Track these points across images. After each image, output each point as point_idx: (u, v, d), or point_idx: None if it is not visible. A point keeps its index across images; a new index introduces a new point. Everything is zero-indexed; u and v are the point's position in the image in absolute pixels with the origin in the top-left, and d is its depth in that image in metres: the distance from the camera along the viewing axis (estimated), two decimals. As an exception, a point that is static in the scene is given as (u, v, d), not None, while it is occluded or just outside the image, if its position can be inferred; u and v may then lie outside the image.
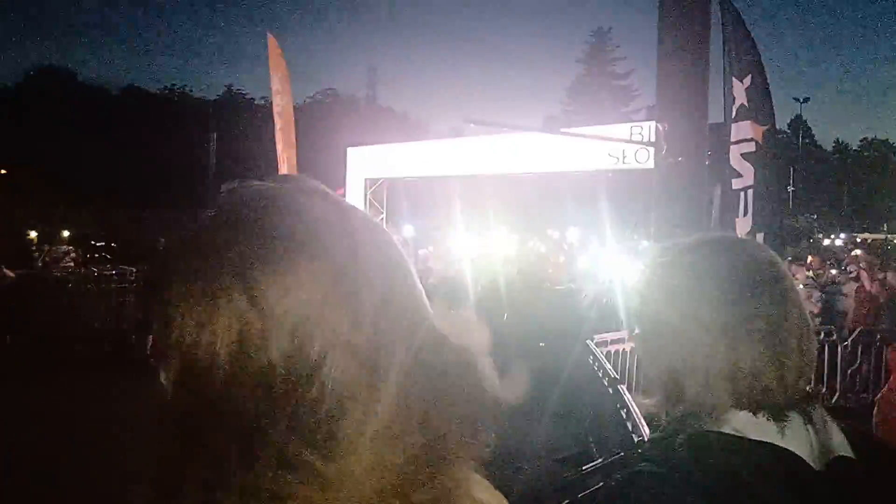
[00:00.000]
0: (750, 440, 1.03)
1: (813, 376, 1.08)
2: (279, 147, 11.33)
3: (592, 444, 6.79)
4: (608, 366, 6.87)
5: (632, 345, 7.81)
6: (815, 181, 58.75)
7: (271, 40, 11.21)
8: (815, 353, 1.12)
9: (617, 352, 7.59)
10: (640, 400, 1.17)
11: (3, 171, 48.81)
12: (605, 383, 6.62)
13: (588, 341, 7.53)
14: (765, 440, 1.02)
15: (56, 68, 61.79)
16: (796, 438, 1.03)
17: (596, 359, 7.07)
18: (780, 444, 1.02)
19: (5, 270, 12.72)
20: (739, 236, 1.07)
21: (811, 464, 1.02)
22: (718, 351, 1.06)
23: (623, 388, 6.40)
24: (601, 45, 65.27)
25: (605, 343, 7.57)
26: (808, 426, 1.04)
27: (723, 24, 8.67)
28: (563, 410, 8.99)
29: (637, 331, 1.19)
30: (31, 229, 18.03)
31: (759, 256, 1.14)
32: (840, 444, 1.05)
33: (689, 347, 1.09)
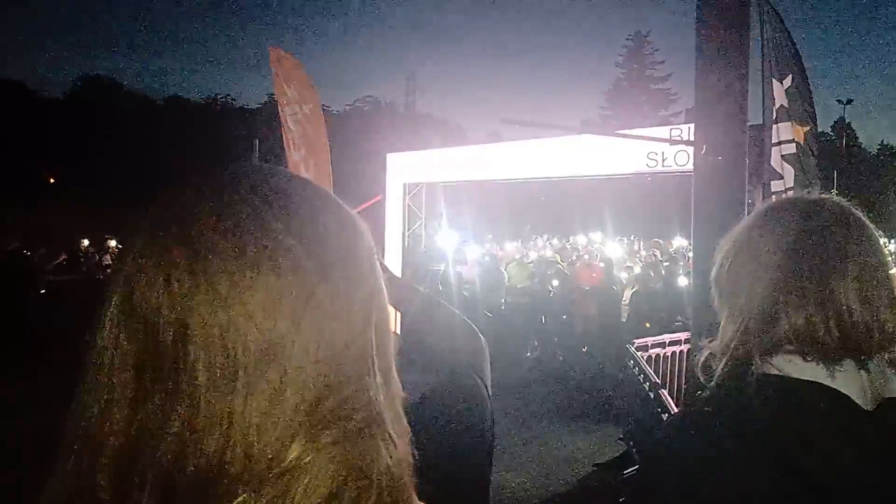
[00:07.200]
0: (797, 380, 1.05)
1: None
2: (296, 154, 11.17)
3: (634, 449, 6.76)
4: (649, 370, 6.83)
5: (673, 349, 7.73)
6: (858, 184, 57.48)
7: (273, 52, 10.89)
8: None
9: (658, 356, 7.54)
10: (703, 343, 1.19)
11: (52, 180, 50.12)
12: (647, 388, 6.59)
13: (628, 346, 7.50)
14: (812, 380, 1.05)
15: (103, 79, 63.08)
16: (846, 380, 1.04)
17: (637, 363, 7.03)
18: (828, 384, 1.04)
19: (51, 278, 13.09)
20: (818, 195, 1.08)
21: (861, 404, 1.03)
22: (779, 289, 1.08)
23: (664, 392, 6.36)
24: (639, 49, 64.82)
25: (645, 347, 7.53)
26: (862, 371, 1.05)
27: (761, 23, 8.55)
28: (604, 415, 8.96)
29: (719, 271, 1.20)
30: (81, 237, 18.42)
31: (839, 208, 1.16)
32: None
33: (765, 284, 1.10)
